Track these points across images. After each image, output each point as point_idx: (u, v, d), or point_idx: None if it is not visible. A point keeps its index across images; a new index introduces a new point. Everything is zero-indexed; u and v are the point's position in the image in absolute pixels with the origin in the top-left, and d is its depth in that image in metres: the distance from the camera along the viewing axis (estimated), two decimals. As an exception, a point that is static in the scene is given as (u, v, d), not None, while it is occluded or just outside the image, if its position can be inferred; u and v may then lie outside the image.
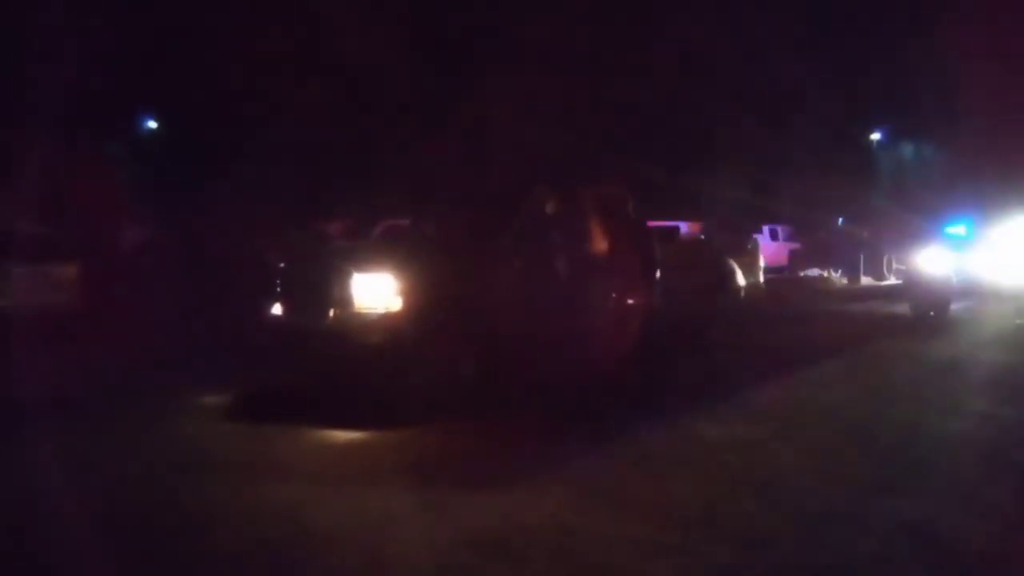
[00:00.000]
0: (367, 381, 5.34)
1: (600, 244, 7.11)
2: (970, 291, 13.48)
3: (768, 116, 24.46)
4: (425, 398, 5.28)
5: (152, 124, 23.80)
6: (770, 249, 20.76)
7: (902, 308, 11.55)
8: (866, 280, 17.23)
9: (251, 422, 5.34)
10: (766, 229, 21.91)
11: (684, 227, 15.77)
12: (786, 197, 25.81)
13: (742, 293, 8.65)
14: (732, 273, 8.61)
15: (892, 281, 15.65)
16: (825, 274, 17.43)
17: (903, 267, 12.85)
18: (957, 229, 17.57)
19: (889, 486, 4.09)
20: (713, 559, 3.26)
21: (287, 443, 4.83)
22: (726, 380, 6.53)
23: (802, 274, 17.11)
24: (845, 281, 17.17)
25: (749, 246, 9.48)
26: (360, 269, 5.43)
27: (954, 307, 11.63)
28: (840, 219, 19.29)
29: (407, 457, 4.54)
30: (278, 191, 10.91)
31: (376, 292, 5.37)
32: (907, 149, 32.30)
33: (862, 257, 17.12)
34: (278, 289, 5.98)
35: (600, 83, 15.12)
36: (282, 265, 6.11)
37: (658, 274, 7.24)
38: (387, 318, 5.35)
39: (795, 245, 18.93)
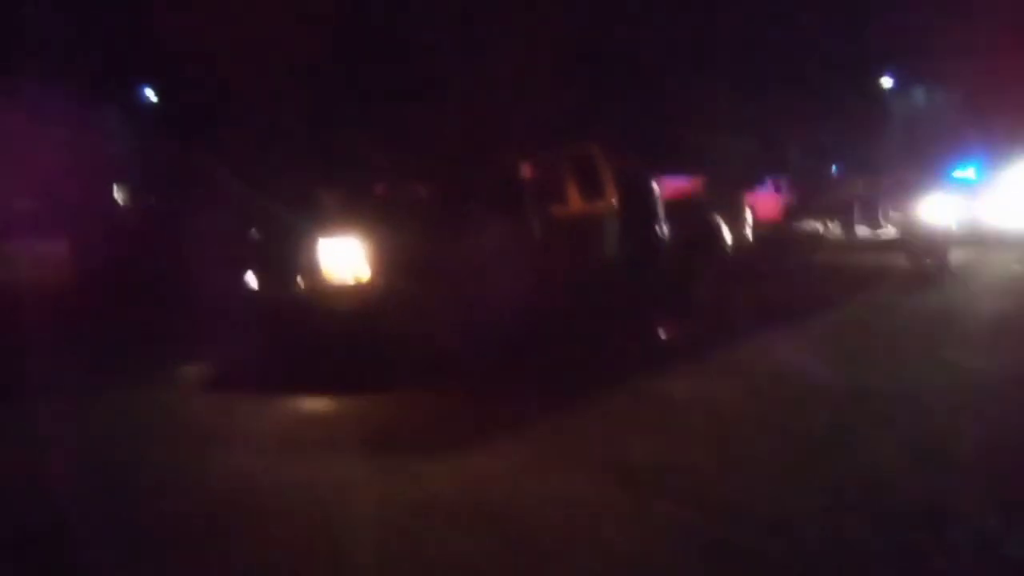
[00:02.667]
0: (335, 350, 5.37)
1: (576, 204, 7.05)
2: (974, 238, 13.25)
3: (775, 64, 23.90)
4: (393, 366, 5.30)
5: (149, 94, 23.68)
6: (772, 202, 20.48)
7: (898, 259, 11.38)
8: (863, 231, 16.97)
9: (219, 393, 5.40)
10: (769, 182, 21.60)
11: (685, 182, 15.52)
12: (793, 148, 25.36)
13: (728, 249, 8.54)
14: (717, 229, 8.49)
15: (890, 231, 15.42)
16: (820, 226, 17.17)
17: (900, 216, 12.61)
18: (965, 174, 17.24)
19: (849, 441, 4.08)
20: (661, 517, 3.28)
21: (252, 413, 4.88)
22: (702, 339, 6.48)
23: (797, 227, 16.83)
24: (840, 233, 16.92)
25: (737, 200, 9.32)
26: (325, 234, 5.41)
27: (955, 255, 11.42)
28: (835, 168, 18.87)
29: (369, 425, 4.58)
30: (272, 158, 10.84)
31: (343, 259, 5.36)
32: (918, 94, 31.53)
33: (857, 207, 16.83)
34: (252, 259, 5.98)
35: (593, 32, 14.79)
36: (255, 233, 6.10)
37: (663, 228, 7.08)
38: (355, 286, 5.35)
39: (790, 198, 18.62)
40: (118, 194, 11.79)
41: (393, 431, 4.47)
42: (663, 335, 6.36)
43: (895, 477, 3.60)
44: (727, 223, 8.51)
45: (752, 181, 19.11)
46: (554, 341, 6.47)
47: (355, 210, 5.97)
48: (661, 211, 7.10)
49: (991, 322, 7.02)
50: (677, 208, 8.87)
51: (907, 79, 30.43)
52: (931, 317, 7.40)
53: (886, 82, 30.41)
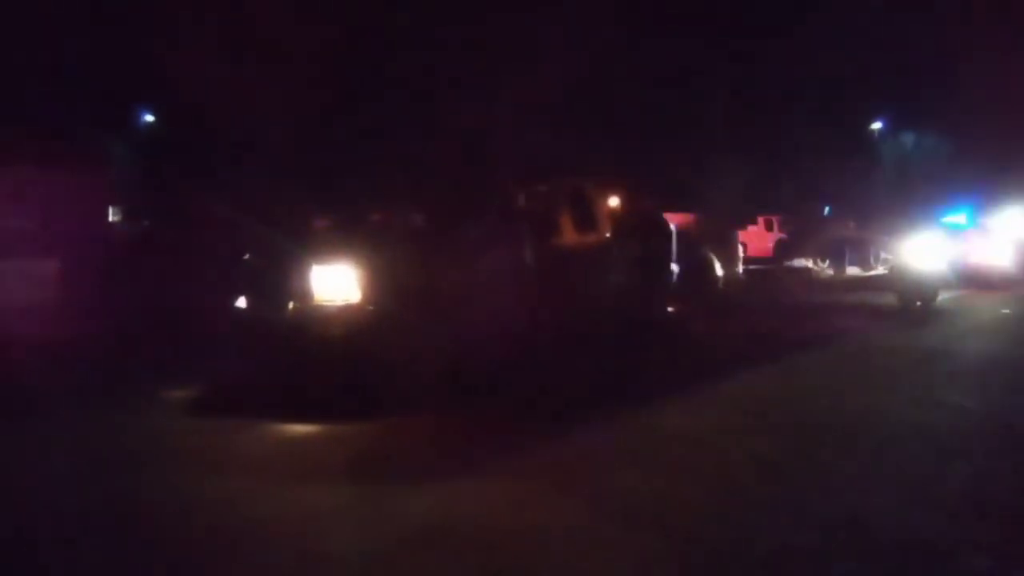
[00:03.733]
0: (326, 375, 5.33)
1: (572, 236, 7.10)
2: (963, 280, 13.38)
3: (769, 106, 24.28)
4: (384, 392, 5.27)
5: (149, 118, 23.79)
6: (764, 239, 20.66)
7: (888, 299, 11.46)
8: (853, 271, 17.05)
9: (208, 417, 5.34)
10: (761, 220, 21.77)
11: (679, 218, 15.54)
12: (786, 187, 25.63)
13: (720, 284, 8.60)
14: (710, 265, 8.56)
15: (880, 272, 15.54)
16: (811, 264, 17.26)
17: (890, 257, 12.73)
18: (956, 218, 17.46)
19: (839, 478, 4.06)
20: (647, 552, 3.25)
21: (240, 438, 4.83)
22: (694, 372, 6.49)
23: (787, 265, 16.92)
24: (831, 272, 17.01)
25: (730, 236, 9.41)
26: (318, 260, 5.41)
27: (943, 297, 11.53)
28: (827, 208, 19.05)
29: (358, 451, 4.53)
30: (264, 187, 10.85)
31: (335, 284, 5.36)
32: (908, 138, 32.08)
33: (847, 247, 16.92)
34: (245, 283, 5.97)
35: (590, 74, 15.02)
36: (246, 257, 6.10)
37: (674, 267, 7.20)
38: (346, 310, 5.34)
39: (782, 235, 18.76)
40: (113, 217, 11.76)
41: (381, 458, 4.43)
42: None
43: (886, 515, 3.58)
44: (719, 259, 8.58)
45: (745, 218, 19.25)
46: (545, 370, 6.46)
47: (349, 236, 5.98)
48: (672, 249, 7.17)
49: (978, 363, 7.06)
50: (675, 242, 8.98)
51: (897, 124, 31.00)
52: (919, 356, 7.44)
53: (876, 126, 30.97)
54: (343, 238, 5.78)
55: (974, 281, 13.82)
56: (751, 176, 22.82)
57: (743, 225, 18.60)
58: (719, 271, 8.57)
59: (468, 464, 4.26)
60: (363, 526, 3.46)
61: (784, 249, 18.22)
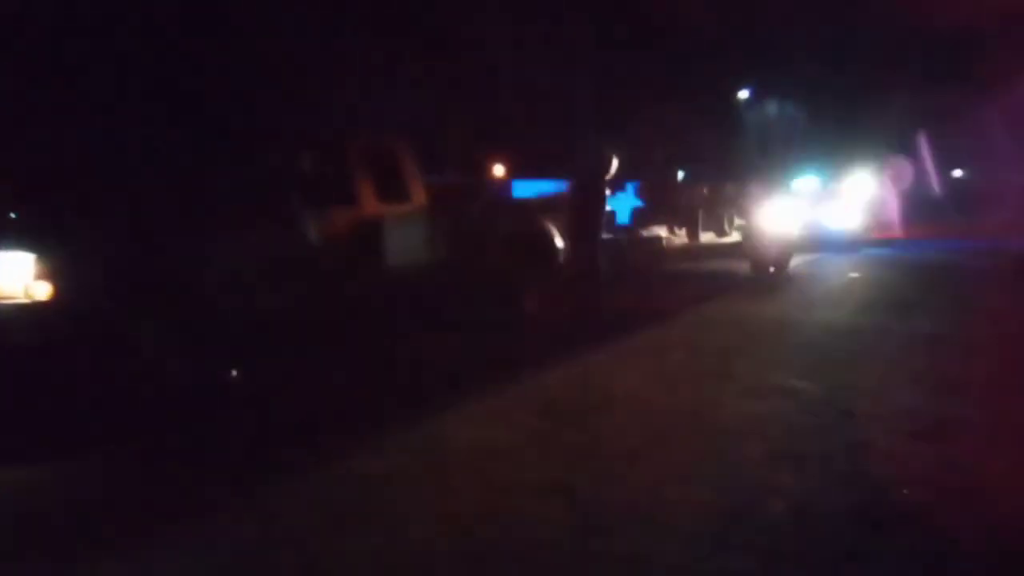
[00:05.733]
0: (10, 397, 3.97)
1: (370, 206, 5.96)
2: (815, 244, 13.39)
3: (643, 70, 23.77)
4: (87, 417, 3.97)
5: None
6: (632, 207, 20.16)
7: (740, 265, 11.08)
8: (708, 237, 16.87)
9: None
10: (630, 186, 21.27)
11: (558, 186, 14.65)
12: (655, 153, 25.35)
13: (560, 257, 7.70)
14: (547, 236, 7.65)
15: (734, 238, 15.37)
16: (665, 232, 16.87)
17: (744, 222, 12.42)
18: (807, 182, 17.67)
19: (647, 499, 3.21)
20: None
21: None
22: (511, 363, 5.50)
23: (641, 234, 16.44)
24: (686, 240, 16.74)
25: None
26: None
27: (796, 261, 11.32)
28: (681, 174, 18.71)
29: (32, 508, 3.25)
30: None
31: (10, 275, 3.99)
32: (771, 107, 32.87)
33: (701, 213, 16.69)
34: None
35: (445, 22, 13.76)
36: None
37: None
38: (30, 309, 3.99)
39: (639, 202, 18.27)
40: None
41: (62, 520, 3.17)
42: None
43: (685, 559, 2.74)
44: (561, 230, 7.67)
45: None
46: (325, 375, 5.30)
47: (31, 214, 4.55)
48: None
49: (824, 336, 6.56)
50: (506, 213, 8.04)
51: (762, 93, 31.62)
52: (765, 329, 6.95)
53: (743, 94, 31.42)
54: (23, 216, 4.37)
55: (825, 244, 13.87)
56: (629, 141, 22.19)
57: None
58: (559, 243, 7.67)
59: (175, 522, 3.09)
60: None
61: (641, 217, 17.71)
